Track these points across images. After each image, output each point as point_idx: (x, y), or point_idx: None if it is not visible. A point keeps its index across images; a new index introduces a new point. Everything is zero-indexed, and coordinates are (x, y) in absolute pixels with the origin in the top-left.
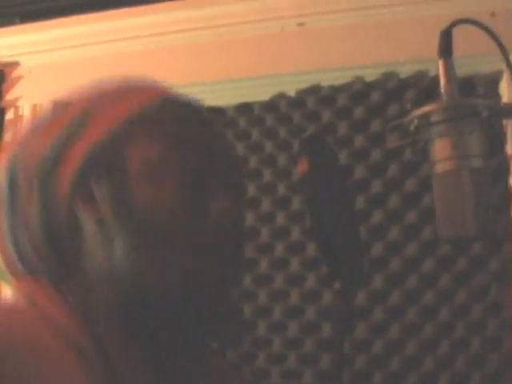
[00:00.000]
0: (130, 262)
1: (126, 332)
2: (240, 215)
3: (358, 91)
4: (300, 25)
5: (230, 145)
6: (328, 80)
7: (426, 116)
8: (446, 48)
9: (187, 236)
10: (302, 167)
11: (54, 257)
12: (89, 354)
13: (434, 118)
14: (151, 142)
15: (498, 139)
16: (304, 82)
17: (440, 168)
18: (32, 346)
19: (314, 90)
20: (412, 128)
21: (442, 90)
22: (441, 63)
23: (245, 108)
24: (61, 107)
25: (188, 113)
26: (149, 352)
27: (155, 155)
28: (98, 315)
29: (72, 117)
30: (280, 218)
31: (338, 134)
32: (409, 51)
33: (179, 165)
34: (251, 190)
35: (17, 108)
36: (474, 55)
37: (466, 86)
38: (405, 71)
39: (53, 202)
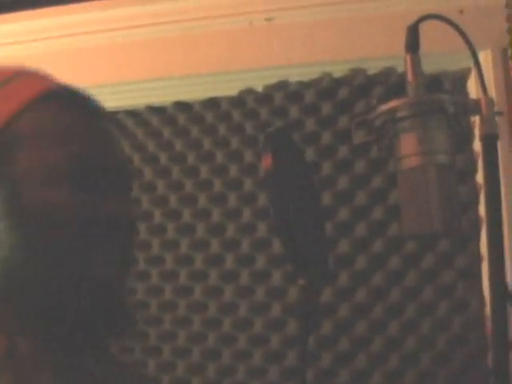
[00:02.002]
0: (19, 261)
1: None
2: (130, 217)
3: (326, 87)
4: (268, 20)
5: (119, 145)
6: (296, 76)
7: (391, 111)
8: (412, 43)
9: (76, 234)
10: (266, 163)
11: None
12: None
13: (399, 114)
14: (37, 145)
15: (466, 136)
16: (272, 78)
17: (405, 164)
18: None
19: (282, 85)
20: (378, 123)
21: (409, 86)
22: (407, 58)
23: (212, 103)
24: None
25: (77, 111)
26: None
27: (43, 159)
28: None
29: None
30: (246, 214)
31: (306, 130)
32: (377, 47)
33: (69, 164)
34: (217, 185)
35: None
36: (442, 53)
37: (433, 83)
38: (373, 67)
39: None
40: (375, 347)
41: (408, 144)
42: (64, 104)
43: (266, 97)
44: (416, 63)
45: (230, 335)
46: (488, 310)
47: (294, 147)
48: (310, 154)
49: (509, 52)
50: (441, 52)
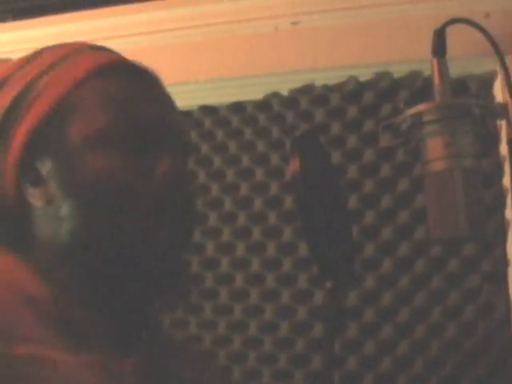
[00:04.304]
0: (80, 231)
1: (80, 289)
2: (186, 176)
3: (352, 91)
4: (294, 24)
5: (168, 107)
6: (321, 79)
7: (418, 115)
8: (439, 47)
9: (133, 201)
10: (294, 166)
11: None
12: (44, 305)
13: (426, 118)
14: (90, 115)
15: (492, 140)
16: (297, 82)
17: (432, 168)
18: None
19: (308, 89)
20: (405, 127)
21: (435, 90)
22: (434, 62)
23: (238, 107)
24: None
25: (126, 82)
26: (100, 306)
27: (96, 127)
28: (54, 274)
29: (11, 97)
30: (272, 218)
31: (331, 133)
32: (403, 51)
33: (120, 135)
34: (243, 189)
35: None
36: (468, 56)
37: (460, 87)
38: (398, 71)
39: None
40: (400, 351)
41: (434, 148)
42: (121, 76)
43: (291, 100)
44: (443, 67)
45: (256, 339)
46: None
47: (322, 151)
48: (335, 157)
49: None
50: (466, 56)
